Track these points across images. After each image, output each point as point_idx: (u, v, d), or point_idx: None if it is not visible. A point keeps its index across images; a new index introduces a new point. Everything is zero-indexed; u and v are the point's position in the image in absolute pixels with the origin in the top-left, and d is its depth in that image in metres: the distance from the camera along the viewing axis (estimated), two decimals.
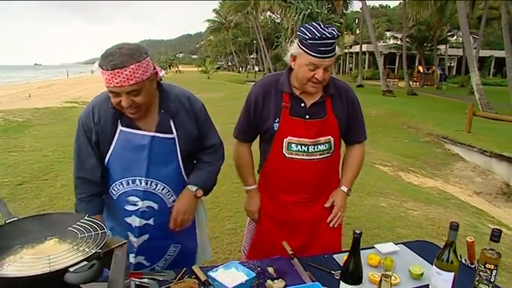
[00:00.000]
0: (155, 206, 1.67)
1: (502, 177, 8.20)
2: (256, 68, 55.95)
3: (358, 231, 1.30)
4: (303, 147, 1.79)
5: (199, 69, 48.96)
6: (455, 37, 36.97)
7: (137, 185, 1.62)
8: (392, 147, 9.48)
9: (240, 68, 65.73)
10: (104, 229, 1.12)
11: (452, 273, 1.39)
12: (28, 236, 1.13)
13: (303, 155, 1.80)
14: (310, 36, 1.62)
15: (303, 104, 1.80)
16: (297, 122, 1.79)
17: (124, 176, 1.63)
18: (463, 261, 1.72)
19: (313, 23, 1.70)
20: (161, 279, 1.46)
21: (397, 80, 32.22)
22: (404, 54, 25.87)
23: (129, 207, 1.66)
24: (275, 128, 1.80)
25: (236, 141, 2.00)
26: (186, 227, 1.73)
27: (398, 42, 33.34)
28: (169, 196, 1.68)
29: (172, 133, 1.61)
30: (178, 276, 1.51)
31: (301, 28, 1.69)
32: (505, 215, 6.37)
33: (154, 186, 1.64)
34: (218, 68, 60.53)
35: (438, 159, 9.22)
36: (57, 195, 4.49)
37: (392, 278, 1.51)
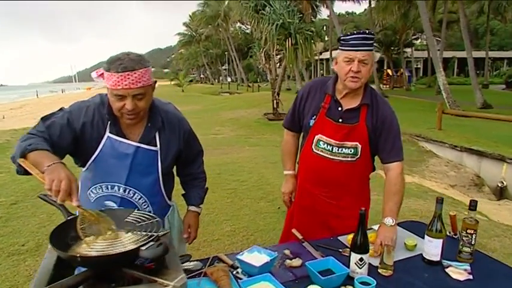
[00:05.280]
0: None
1: (472, 169, 8.71)
2: (229, 79, 56.34)
3: (363, 209, 1.56)
4: (329, 146, 1.98)
5: (173, 82, 48.81)
6: (419, 40, 38.56)
7: (115, 191, 1.66)
8: None
9: (213, 80, 65.98)
10: (156, 218, 1.32)
11: (441, 240, 1.66)
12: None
13: (327, 153, 2.00)
14: (345, 36, 1.85)
15: (339, 108, 1.96)
16: (329, 122, 1.97)
17: (104, 180, 1.65)
18: (448, 232, 2.00)
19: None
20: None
21: None
22: None
23: None
24: (310, 124, 2.03)
25: (284, 129, 2.27)
26: None
27: None
28: (145, 206, 1.71)
29: (156, 146, 1.67)
30: (208, 262, 1.72)
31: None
32: (479, 204, 6.82)
33: (132, 195, 1.68)
34: (191, 81, 60.48)
35: (413, 156, 9.66)
36: (54, 212, 4.54)
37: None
